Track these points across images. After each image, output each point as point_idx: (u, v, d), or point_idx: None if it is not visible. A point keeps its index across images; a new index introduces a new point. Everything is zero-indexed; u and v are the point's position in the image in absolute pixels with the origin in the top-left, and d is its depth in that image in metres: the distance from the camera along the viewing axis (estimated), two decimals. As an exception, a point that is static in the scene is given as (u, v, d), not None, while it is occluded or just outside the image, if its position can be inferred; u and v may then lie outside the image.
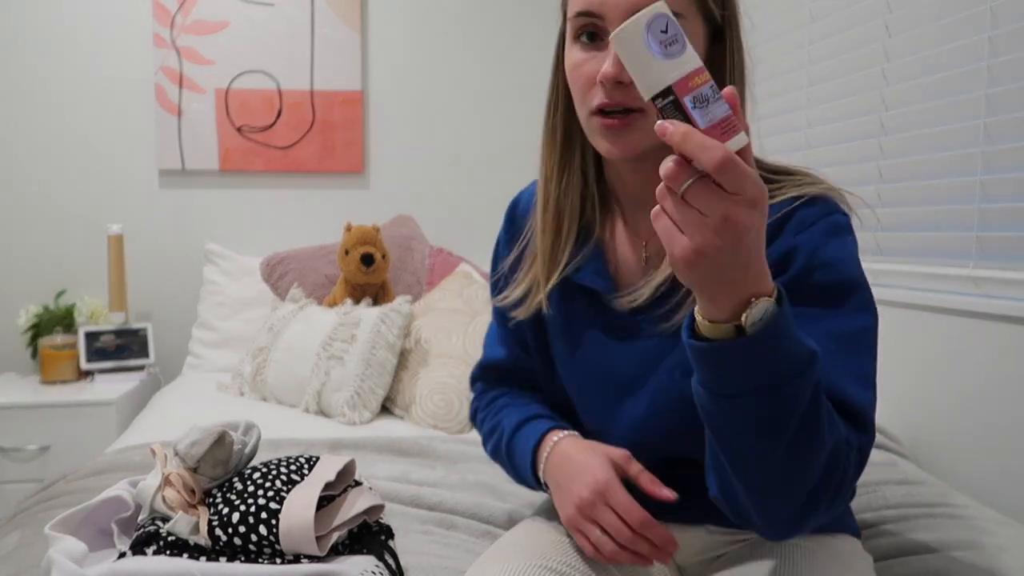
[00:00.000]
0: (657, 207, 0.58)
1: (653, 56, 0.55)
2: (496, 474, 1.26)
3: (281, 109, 2.62)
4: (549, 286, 0.90)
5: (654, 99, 0.56)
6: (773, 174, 0.82)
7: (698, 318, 0.62)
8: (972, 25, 1.41)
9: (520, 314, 0.94)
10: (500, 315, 1.02)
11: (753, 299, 0.58)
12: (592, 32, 0.78)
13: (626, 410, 0.88)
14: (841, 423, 0.67)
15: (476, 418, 1.08)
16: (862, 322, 0.73)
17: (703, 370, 0.63)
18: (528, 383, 1.03)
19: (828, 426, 0.64)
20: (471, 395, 1.10)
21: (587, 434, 0.92)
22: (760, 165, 0.79)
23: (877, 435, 0.95)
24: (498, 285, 1.01)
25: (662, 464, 0.84)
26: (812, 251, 0.75)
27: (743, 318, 0.58)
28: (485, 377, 1.08)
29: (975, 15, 1.40)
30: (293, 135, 2.63)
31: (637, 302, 0.84)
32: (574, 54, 0.80)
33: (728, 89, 0.56)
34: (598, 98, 0.77)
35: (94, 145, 2.55)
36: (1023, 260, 1.33)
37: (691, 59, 0.56)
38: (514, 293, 0.95)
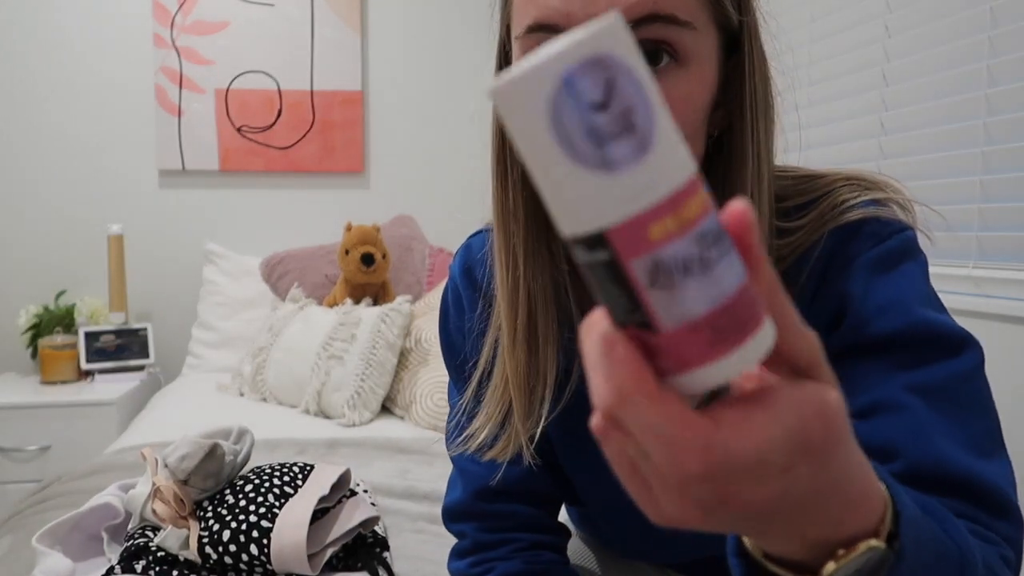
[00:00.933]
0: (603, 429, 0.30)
1: (567, 158, 0.25)
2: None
3: (281, 109, 2.62)
4: (536, 431, 0.63)
5: (576, 242, 0.27)
6: (803, 192, 0.61)
7: (748, 545, 0.38)
8: (972, 25, 1.41)
9: (497, 455, 0.66)
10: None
11: (841, 550, 0.34)
12: None
13: (678, 538, 0.71)
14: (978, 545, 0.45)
15: None
16: (955, 368, 0.53)
17: None
18: (536, 501, 0.75)
19: None
20: (455, 543, 0.78)
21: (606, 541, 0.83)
22: (784, 178, 0.62)
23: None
24: (460, 416, 0.71)
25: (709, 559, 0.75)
26: (862, 298, 0.55)
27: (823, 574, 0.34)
28: (467, 515, 0.76)
29: (975, 15, 1.39)
30: (293, 135, 2.63)
31: None
32: None
33: (736, 211, 0.28)
34: None
35: (94, 145, 2.55)
36: (1023, 260, 1.32)
37: (666, 167, 0.26)
38: (481, 434, 0.66)
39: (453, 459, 0.77)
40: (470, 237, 0.77)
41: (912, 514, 0.36)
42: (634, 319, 0.27)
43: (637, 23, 0.50)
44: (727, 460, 0.27)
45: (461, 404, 0.71)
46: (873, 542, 0.34)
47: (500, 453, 0.66)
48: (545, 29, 0.52)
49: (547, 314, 0.62)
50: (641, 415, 0.27)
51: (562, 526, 0.79)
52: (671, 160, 0.26)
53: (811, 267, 0.58)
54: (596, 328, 0.28)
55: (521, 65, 0.25)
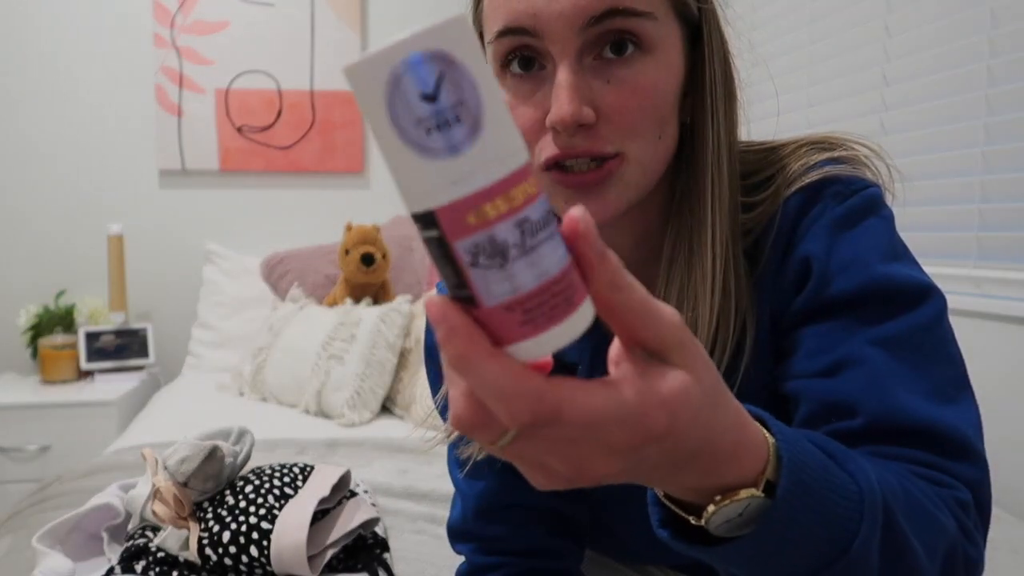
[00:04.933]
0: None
1: (400, 141, 0.28)
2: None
3: (281, 109, 2.62)
4: None
5: (415, 218, 0.29)
6: (768, 164, 0.62)
7: (657, 492, 0.42)
8: (972, 25, 1.41)
9: (473, 453, 0.68)
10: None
11: (718, 496, 0.38)
12: (528, 57, 0.55)
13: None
14: (944, 511, 0.47)
15: None
16: (915, 319, 0.54)
17: (720, 566, 0.43)
18: (535, 518, 0.74)
19: (926, 553, 0.44)
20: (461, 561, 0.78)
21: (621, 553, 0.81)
22: (749, 153, 0.63)
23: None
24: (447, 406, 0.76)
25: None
26: (824, 258, 0.56)
27: (704, 516, 0.38)
28: (464, 536, 0.76)
29: (975, 15, 1.39)
30: (293, 135, 2.63)
31: None
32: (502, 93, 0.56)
33: (569, 218, 0.30)
34: (550, 148, 0.54)
35: (94, 145, 2.55)
36: (1023, 261, 1.32)
37: (490, 158, 0.28)
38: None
39: (451, 476, 0.78)
40: None
41: (801, 461, 0.39)
42: (461, 295, 0.30)
43: (600, 18, 0.52)
44: (557, 416, 0.29)
45: (439, 398, 0.72)
46: (752, 491, 0.37)
47: (478, 450, 0.67)
48: (515, 32, 0.54)
49: None
50: (479, 372, 0.29)
51: (570, 546, 0.76)
52: (496, 152, 0.28)
53: (776, 234, 0.59)
54: (433, 299, 0.30)
55: (368, 51, 0.27)
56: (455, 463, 0.76)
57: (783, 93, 2.01)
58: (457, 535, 0.77)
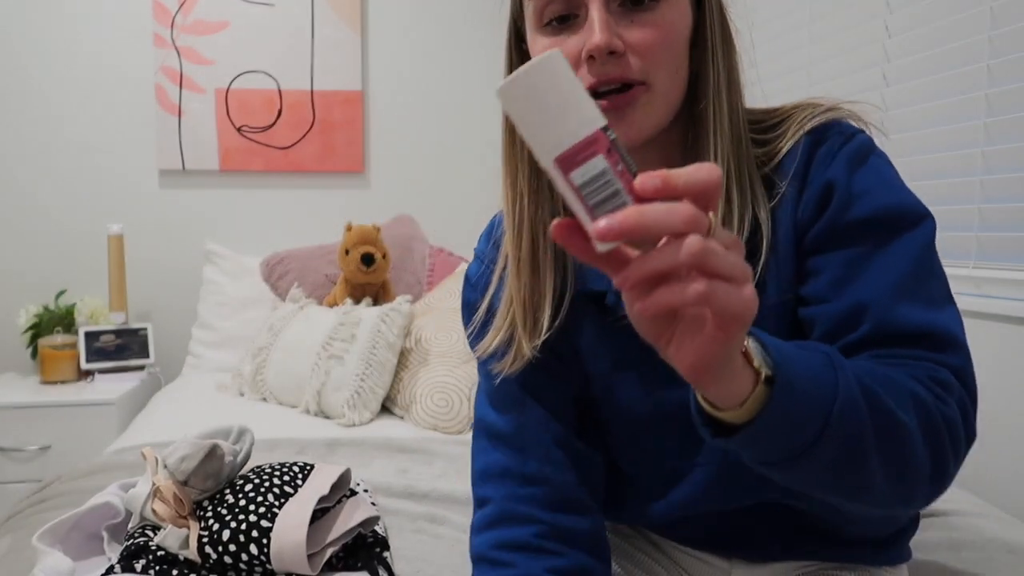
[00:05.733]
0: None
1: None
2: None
3: (281, 109, 2.62)
4: (538, 342, 0.73)
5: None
6: (772, 116, 0.74)
7: (708, 409, 0.51)
8: (972, 25, 1.41)
9: (504, 368, 0.75)
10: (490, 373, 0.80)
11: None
12: (563, 15, 0.66)
13: (700, 486, 0.75)
14: (916, 383, 0.57)
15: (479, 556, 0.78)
16: (918, 239, 0.65)
17: (747, 454, 0.52)
18: (565, 460, 0.78)
19: (899, 407, 0.54)
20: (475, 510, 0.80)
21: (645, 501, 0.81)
22: (754, 111, 0.74)
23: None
24: (482, 332, 0.79)
25: (739, 510, 0.76)
26: (844, 187, 0.67)
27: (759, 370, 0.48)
28: (497, 476, 0.78)
29: (975, 15, 1.40)
30: (293, 135, 2.63)
31: None
32: (541, 42, 0.67)
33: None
34: (586, 79, 0.64)
35: (94, 145, 2.55)
36: (1023, 261, 1.33)
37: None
38: (493, 343, 0.76)
39: (481, 417, 0.81)
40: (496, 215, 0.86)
41: (768, 338, 0.50)
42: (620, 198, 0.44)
43: None
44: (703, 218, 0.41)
45: (475, 319, 0.79)
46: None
47: (509, 365, 0.75)
48: None
49: (548, 241, 0.72)
50: (654, 210, 0.40)
51: (591, 503, 0.78)
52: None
53: (796, 163, 0.69)
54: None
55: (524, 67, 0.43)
56: (485, 397, 0.80)
57: (783, 93, 2.01)
58: (487, 476, 0.78)
